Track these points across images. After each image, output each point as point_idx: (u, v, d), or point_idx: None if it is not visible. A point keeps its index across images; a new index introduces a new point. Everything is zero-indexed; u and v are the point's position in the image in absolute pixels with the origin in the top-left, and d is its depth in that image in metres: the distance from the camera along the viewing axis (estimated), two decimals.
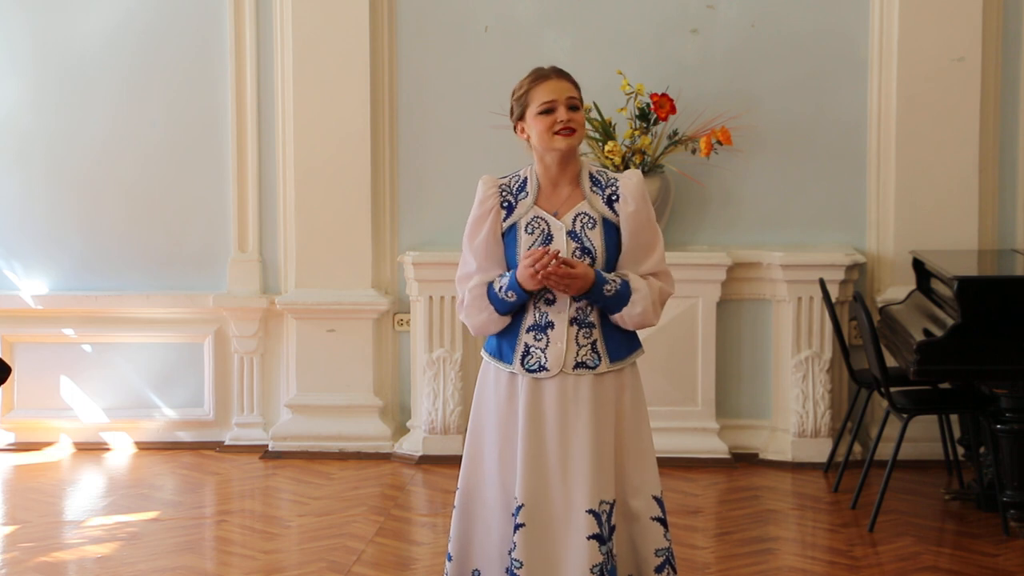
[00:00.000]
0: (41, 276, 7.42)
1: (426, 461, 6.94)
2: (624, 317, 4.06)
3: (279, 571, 5.44)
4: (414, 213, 7.20)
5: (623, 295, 4.03)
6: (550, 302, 4.05)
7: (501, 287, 4.05)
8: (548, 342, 4.04)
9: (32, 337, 7.38)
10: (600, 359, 4.05)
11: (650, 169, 6.81)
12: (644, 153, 6.78)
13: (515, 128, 4.14)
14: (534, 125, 4.06)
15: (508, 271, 4.08)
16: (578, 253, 4.03)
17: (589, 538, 3.96)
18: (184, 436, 7.34)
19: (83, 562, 5.58)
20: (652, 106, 6.81)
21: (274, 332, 7.27)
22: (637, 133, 6.81)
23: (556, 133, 4.03)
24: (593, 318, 4.06)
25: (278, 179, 7.22)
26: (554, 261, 3.93)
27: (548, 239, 4.05)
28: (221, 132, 7.25)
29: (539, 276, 3.94)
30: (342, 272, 7.13)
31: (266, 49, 7.18)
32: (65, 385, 7.37)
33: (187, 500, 6.47)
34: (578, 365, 4.04)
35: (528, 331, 4.07)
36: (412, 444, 7.08)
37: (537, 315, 4.07)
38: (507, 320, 4.09)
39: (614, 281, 4.03)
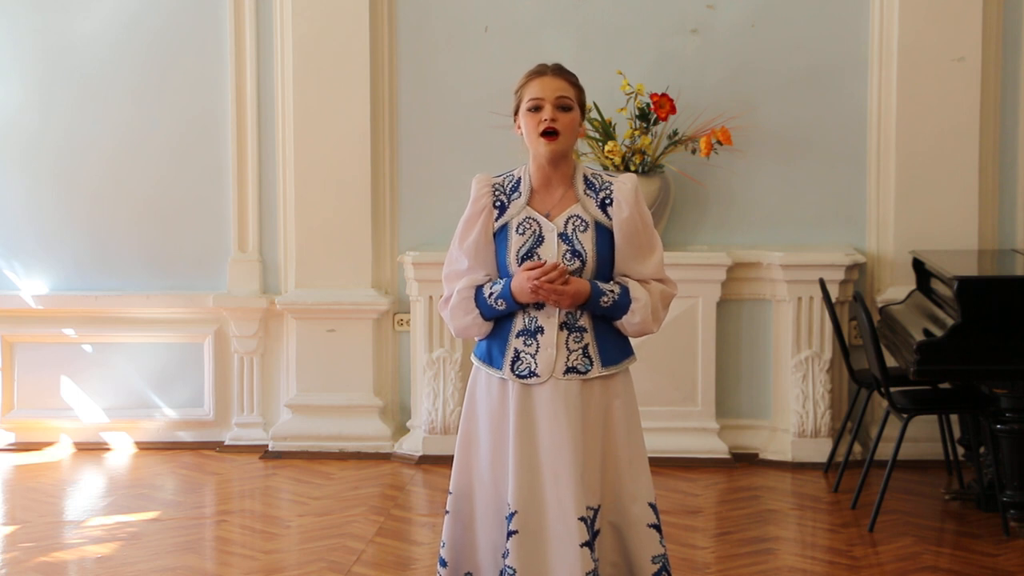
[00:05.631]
0: (41, 276, 7.42)
1: (426, 461, 6.94)
2: (624, 325, 4.01)
3: (279, 571, 5.44)
4: (414, 213, 7.20)
5: (622, 305, 3.98)
6: (539, 306, 3.98)
7: (491, 294, 4.00)
8: (538, 347, 3.98)
9: (32, 337, 7.38)
10: (592, 363, 3.99)
11: (650, 169, 6.81)
12: (644, 153, 6.78)
13: (515, 123, 4.08)
14: (524, 122, 4.02)
15: (498, 273, 4.03)
16: (568, 256, 3.97)
17: (582, 545, 3.91)
18: (184, 436, 7.34)
19: (83, 562, 5.58)
20: (652, 106, 6.81)
21: (274, 332, 7.27)
22: (637, 133, 6.81)
23: (541, 135, 3.97)
24: (584, 322, 3.99)
25: (278, 179, 7.22)
26: (552, 273, 3.88)
27: (539, 241, 3.99)
28: (221, 132, 7.25)
29: (533, 284, 3.88)
30: (342, 272, 7.13)
31: (266, 49, 7.18)
32: (65, 385, 7.37)
33: (187, 500, 6.47)
34: (569, 370, 3.97)
35: (518, 336, 4.00)
36: (412, 444, 7.08)
37: (527, 320, 4.00)
38: (490, 326, 4.04)
39: (611, 292, 3.98)
